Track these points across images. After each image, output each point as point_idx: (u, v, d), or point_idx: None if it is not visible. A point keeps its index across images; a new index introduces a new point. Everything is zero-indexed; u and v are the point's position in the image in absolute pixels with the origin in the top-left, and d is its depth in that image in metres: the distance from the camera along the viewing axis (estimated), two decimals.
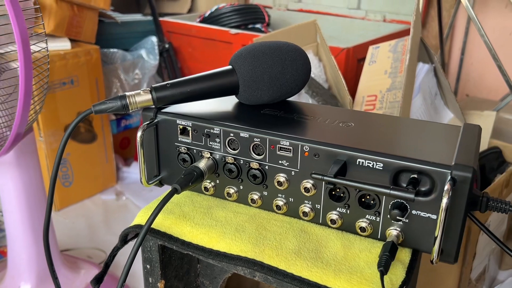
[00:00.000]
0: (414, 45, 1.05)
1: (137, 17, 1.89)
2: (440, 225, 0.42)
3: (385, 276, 0.43)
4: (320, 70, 1.28)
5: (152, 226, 0.52)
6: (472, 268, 1.01)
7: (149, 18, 1.86)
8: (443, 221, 0.42)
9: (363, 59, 1.41)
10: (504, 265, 1.27)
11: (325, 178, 0.45)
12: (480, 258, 1.03)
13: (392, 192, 0.42)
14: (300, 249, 0.47)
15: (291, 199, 0.51)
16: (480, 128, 0.51)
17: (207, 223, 0.50)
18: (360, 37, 1.63)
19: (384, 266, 0.42)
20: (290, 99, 0.60)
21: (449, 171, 0.42)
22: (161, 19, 1.85)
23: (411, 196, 0.42)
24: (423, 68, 1.14)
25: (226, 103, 0.58)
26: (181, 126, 0.54)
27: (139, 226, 0.51)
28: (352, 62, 1.44)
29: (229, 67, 0.55)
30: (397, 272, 0.45)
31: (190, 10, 2.10)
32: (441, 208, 0.41)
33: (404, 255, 0.47)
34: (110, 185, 1.67)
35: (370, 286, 0.42)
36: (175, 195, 0.56)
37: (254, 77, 0.54)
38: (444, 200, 0.41)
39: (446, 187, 0.41)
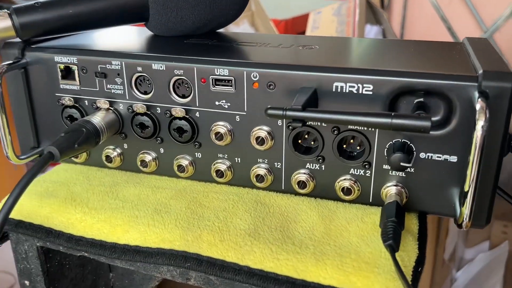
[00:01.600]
0: (361, 3, 0.92)
1: None
2: (473, 169, 0.27)
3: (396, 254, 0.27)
4: None
5: (22, 218, 0.33)
6: (445, 247, 0.89)
7: None
8: (477, 161, 0.27)
9: (304, 33, 1.28)
10: (469, 242, 1.18)
11: (287, 113, 0.29)
12: (452, 235, 0.91)
13: (395, 121, 0.27)
14: (257, 228, 0.30)
15: (237, 160, 0.34)
16: (489, 41, 0.37)
17: (109, 206, 0.32)
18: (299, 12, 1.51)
19: (393, 239, 0.27)
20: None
21: (476, 84, 0.28)
22: None
23: (427, 123, 0.26)
24: (371, 31, 1.02)
25: (130, 35, 0.41)
26: (62, 66, 0.35)
27: None
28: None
29: None
30: (408, 247, 0.29)
31: None
32: (475, 140, 0.26)
33: (410, 223, 0.31)
34: None
35: (375, 272, 0.26)
36: (61, 170, 0.38)
37: None
38: (480, 125, 0.26)
39: (479, 105, 0.26)
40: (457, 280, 1.03)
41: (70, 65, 0.35)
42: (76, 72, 0.35)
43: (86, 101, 0.36)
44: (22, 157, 0.37)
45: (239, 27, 1.08)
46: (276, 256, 0.27)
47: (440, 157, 0.30)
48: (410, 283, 0.27)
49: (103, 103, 0.35)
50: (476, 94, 0.27)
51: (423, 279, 0.84)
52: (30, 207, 0.33)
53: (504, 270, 0.94)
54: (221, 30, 0.42)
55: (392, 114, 0.27)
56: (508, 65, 0.29)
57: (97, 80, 0.35)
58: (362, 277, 0.26)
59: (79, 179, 0.36)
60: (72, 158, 0.38)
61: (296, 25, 1.30)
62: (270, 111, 0.29)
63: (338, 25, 1.04)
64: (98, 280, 0.41)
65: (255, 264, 0.27)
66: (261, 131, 0.32)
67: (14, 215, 0.33)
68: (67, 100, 0.36)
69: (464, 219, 0.28)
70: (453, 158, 0.30)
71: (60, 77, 0.36)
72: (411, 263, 0.28)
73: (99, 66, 0.34)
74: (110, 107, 0.35)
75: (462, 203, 0.28)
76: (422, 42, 0.38)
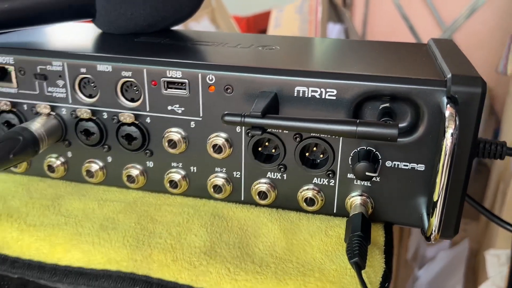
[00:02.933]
0: (323, 1, 0.91)
1: None
2: (442, 179, 0.25)
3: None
4: None
5: None
6: (408, 248, 0.90)
7: None
8: (447, 169, 0.25)
9: (266, 30, 1.26)
10: None
11: (245, 120, 0.26)
12: (414, 235, 0.92)
13: (360, 129, 0.25)
14: (214, 246, 0.28)
15: (193, 169, 0.32)
16: (454, 43, 0.36)
17: (49, 222, 0.29)
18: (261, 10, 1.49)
19: (359, 255, 0.25)
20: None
21: (444, 89, 0.26)
22: None
23: (394, 131, 0.25)
24: (334, 29, 1.01)
25: (76, 33, 0.38)
26: None
27: None
28: (254, 33, 1.28)
29: None
30: (374, 262, 0.27)
31: None
32: (444, 148, 0.25)
33: (376, 234, 0.30)
34: None
35: None
36: None
37: None
38: (449, 133, 0.24)
39: (448, 111, 0.25)
40: (419, 279, 1.04)
41: (6, 66, 0.32)
42: (13, 73, 0.32)
43: (24, 106, 0.32)
44: None
45: (199, 24, 1.05)
46: (234, 277, 0.25)
47: (407, 165, 0.28)
48: None
49: (43, 107, 0.32)
50: (445, 100, 0.26)
51: None
52: None
53: (465, 268, 0.96)
54: (177, 27, 0.40)
55: (358, 121, 0.25)
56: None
57: (36, 82, 0.32)
58: None
59: (18, 191, 0.33)
60: (11, 167, 0.34)
61: (258, 23, 1.28)
62: (227, 118, 0.27)
63: (301, 23, 1.02)
64: None
65: (210, 286, 0.25)
66: (218, 138, 0.30)
67: None
68: (3, 104, 0.32)
69: (433, 231, 0.27)
70: (421, 167, 0.28)
71: None
72: (377, 279, 0.27)
73: (38, 67, 0.31)
74: (51, 112, 0.32)
75: (431, 214, 0.27)
76: (387, 43, 0.37)
